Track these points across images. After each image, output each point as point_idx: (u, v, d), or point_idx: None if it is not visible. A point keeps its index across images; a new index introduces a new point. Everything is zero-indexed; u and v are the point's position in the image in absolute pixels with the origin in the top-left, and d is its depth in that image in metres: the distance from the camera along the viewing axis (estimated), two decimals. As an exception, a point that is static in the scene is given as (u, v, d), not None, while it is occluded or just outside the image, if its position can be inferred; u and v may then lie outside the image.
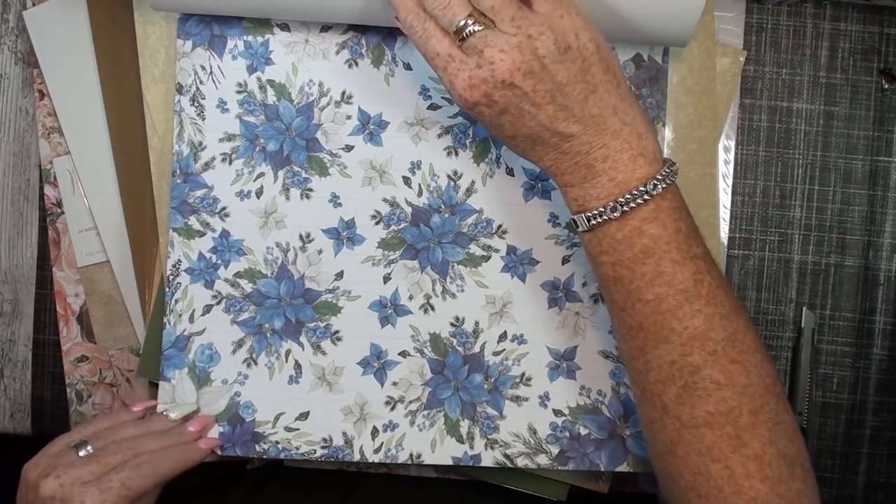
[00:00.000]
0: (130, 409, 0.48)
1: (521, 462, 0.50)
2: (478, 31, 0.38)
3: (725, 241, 0.53)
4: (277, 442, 0.50)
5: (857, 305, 0.54)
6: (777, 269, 0.54)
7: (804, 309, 0.54)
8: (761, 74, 0.53)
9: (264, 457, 0.50)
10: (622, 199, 0.39)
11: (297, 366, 0.50)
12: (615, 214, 0.39)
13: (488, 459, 0.50)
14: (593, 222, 0.40)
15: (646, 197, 0.39)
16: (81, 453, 0.43)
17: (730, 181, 0.53)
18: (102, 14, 0.52)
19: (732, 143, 0.53)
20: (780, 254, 0.54)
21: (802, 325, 0.54)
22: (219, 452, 0.49)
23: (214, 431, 0.49)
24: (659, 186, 0.39)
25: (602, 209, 0.40)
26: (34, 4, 0.52)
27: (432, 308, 0.51)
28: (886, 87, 0.54)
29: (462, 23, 0.38)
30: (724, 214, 0.53)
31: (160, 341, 0.51)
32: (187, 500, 0.54)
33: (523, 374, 0.51)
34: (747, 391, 0.39)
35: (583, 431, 0.51)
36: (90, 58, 0.52)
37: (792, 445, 0.40)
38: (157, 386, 0.53)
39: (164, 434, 0.47)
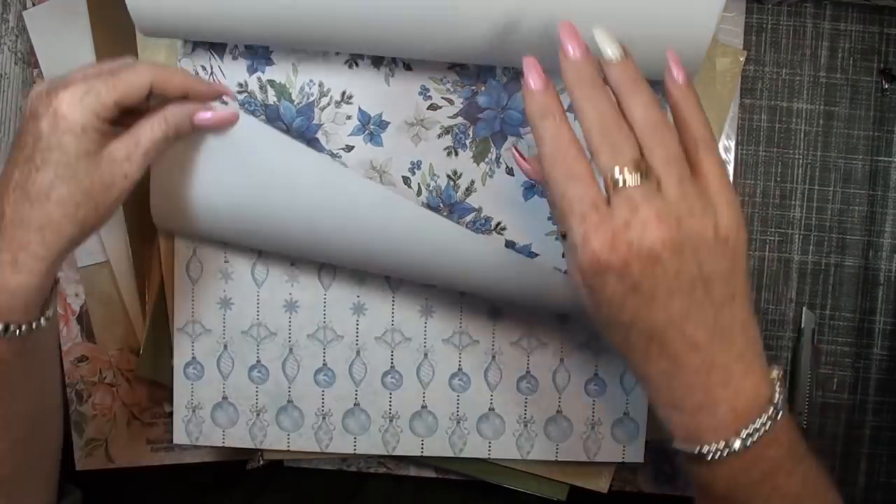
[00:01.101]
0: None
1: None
2: (638, 185, 0.33)
3: (725, 241, 0.53)
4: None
5: (857, 305, 0.54)
6: (777, 269, 0.54)
7: (804, 309, 0.54)
8: (761, 74, 0.53)
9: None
10: (746, 433, 0.34)
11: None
12: (738, 447, 0.34)
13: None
14: (710, 458, 0.34)
15: (769, 425, 0.34)
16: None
17: (730, 181, 0.53)
18: (102, 14, 0.52)
19: (732, 143, 0.53)
20: (780, 254, 0.54)
21: (802, 325, 0.54)
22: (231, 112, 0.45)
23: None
24: (780, 410, 0.34)
25: (722, 443, 0.34)
26: (34, 4, 0.52)
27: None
28: (886, 87, 0.54)
29: (623, 170, 0.33)
30: (724, 214, 0.53)
31: (160, 341, 0.51)
32: (187, 500, 0.54)
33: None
34: None
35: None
36: (90, 58, 0.52)
37: None
38: (157, 386, 0.53)
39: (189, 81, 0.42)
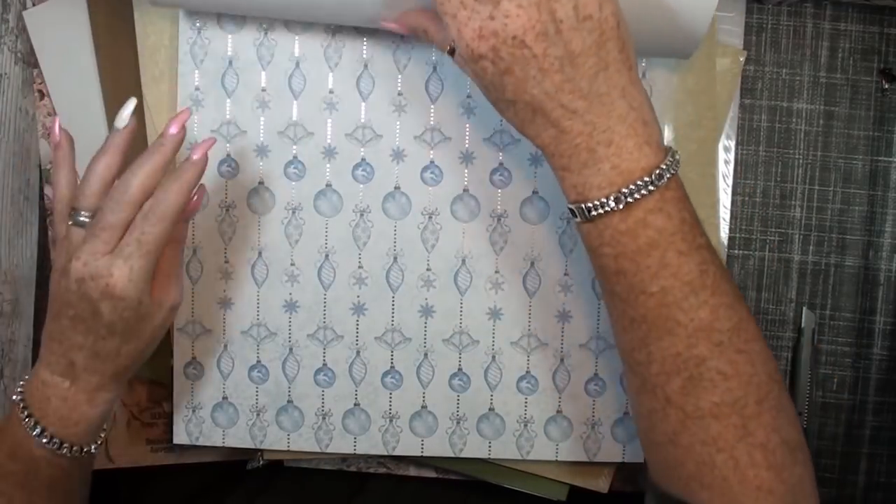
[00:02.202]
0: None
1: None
2: None
3: (725, 241, 0.53)
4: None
5: (857, 305, 0.54)
6: (777, 269, 0.54)
7: (804, 309, 0.54)
8: (761, 74, 0.53)
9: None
10: (626, 190, 0.37)
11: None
12: (619, 206, 0.37)
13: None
14: (594, 213, 0.38)
15: (650, 188, 0.37)
16: (80, 219, 0.41)
17: (730, 181, 0.53)
18: (102, 14, 0.52)
19: (732, 143, 0.53)
20: (780, 254, 0.54)
21: (802, 325, 0.54)
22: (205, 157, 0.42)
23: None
24: (665, 176, 0.37)
25: (604, 199, 0.37)
26: (34, 4, 0.52)
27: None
28: (886, 87, 0.54)
29: None
30: (724, 214, 0.53)
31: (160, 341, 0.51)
32: (187, 500, 0.54)
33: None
34: (752, 380, 0.38)
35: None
36: (90, 58, 0.52)
37: (793, 430, 0.39)
38: (157, 386, 0.53)
39: (146, 157, 0.41)
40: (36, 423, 0.41)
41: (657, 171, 0.37)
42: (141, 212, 0.40)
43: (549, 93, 0.37)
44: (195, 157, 0.42)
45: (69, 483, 0.43)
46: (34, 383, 0.42)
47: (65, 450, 0.42)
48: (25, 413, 0.41)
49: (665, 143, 0.39)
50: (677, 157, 0.39)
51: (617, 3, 0.37)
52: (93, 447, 0.44)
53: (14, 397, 0.42)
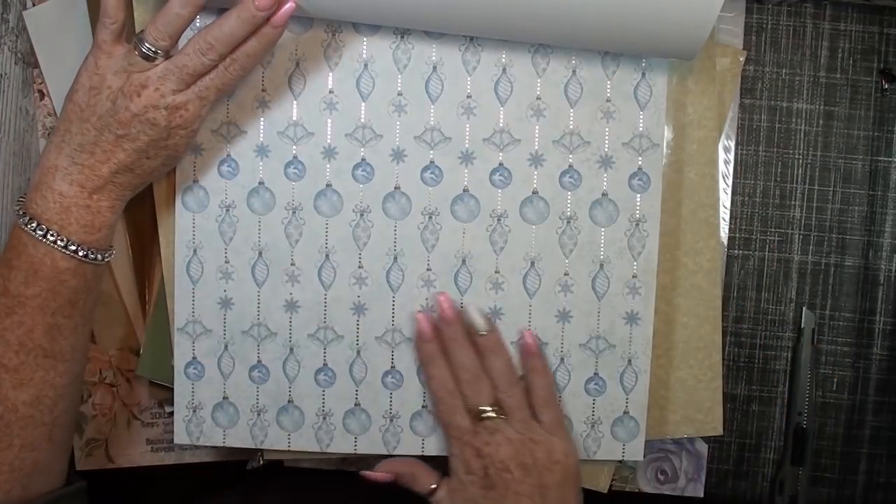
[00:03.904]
0: None
1: None
2: (494, 417, 0.47)
3: (725, 241, 0.53)
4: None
5: (857, 305, 0.54)
6: (777, 269, 0.54)
7: (804, 309, 0.54)
8: (761, 74, 0.54)
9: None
10: None
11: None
12: None
13: None
14: None
15: None
16: (146, 51, 0.42)
17: (730, 181, 0.53)
18: (102, 14, 0.52)
19: (732, 143, 0.53)
20: (780, 254, 0.54)
21: (802, 325, 0.54)
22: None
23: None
24: None
25: None
26: (34, 4, 0.52)
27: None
28: (886, 87, 0.54)
29: (484, 407, 0.47)
30: (724, 214, 0.53)
31: (160, 341, 0.51)
32: (187, 500, 0.54)
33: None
34: None
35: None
36: (90, 58, 0.52)
37: None
38: (157, 386, 0.53)
39: (237, 14, 0.42)
40: (58, 235, 0.42)
41: None
42: (223, 63, 0.43)
43: None
44: (277, 21, 0.43)
45: (90, 297, 0.45)
46: (50, 196, 0.42)
47: (91, 255, 0.43)
48: (44, 229, 0.42)
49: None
50: None
51: (578, 454, 0.48)
52: (107, 255, 0.45)
53: (20, 220, 0.42)
